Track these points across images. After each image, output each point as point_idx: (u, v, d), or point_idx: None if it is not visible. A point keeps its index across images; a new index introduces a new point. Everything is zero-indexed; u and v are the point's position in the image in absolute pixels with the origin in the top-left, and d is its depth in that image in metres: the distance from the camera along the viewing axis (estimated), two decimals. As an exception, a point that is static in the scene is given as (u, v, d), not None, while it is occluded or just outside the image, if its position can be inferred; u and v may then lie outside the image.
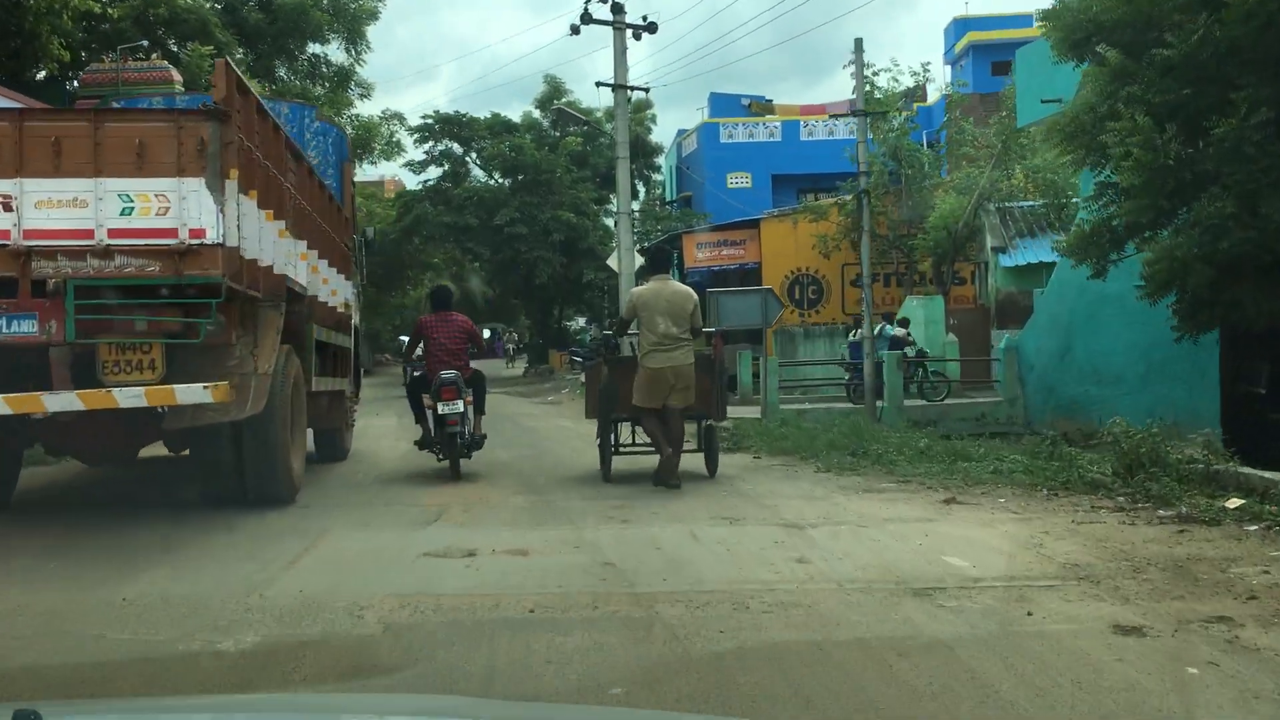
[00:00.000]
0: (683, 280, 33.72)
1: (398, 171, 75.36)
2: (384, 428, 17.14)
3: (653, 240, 33.56)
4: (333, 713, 2.16)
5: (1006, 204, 23.59)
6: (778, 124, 37.90)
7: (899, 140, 26.26)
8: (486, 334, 48.19)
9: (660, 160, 41.84)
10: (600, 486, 9.18)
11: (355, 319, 12.67)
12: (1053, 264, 21.75)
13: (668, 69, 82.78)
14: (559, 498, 8.63)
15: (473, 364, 10.15)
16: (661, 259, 9.94)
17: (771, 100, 40.11)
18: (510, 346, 48.57)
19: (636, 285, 24.37)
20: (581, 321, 59.76)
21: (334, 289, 10.60)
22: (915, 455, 10.81)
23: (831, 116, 25.32)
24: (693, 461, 10.35)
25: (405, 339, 15.81)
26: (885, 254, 27.05)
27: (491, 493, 9.00)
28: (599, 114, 39.61)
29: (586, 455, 10.49)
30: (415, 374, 10.30)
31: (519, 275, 36.48)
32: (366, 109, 60.64)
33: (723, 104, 39.17)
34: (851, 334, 20.63)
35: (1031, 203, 23.54)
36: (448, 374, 9.65)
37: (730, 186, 37.09)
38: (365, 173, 58.80)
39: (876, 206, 26.55)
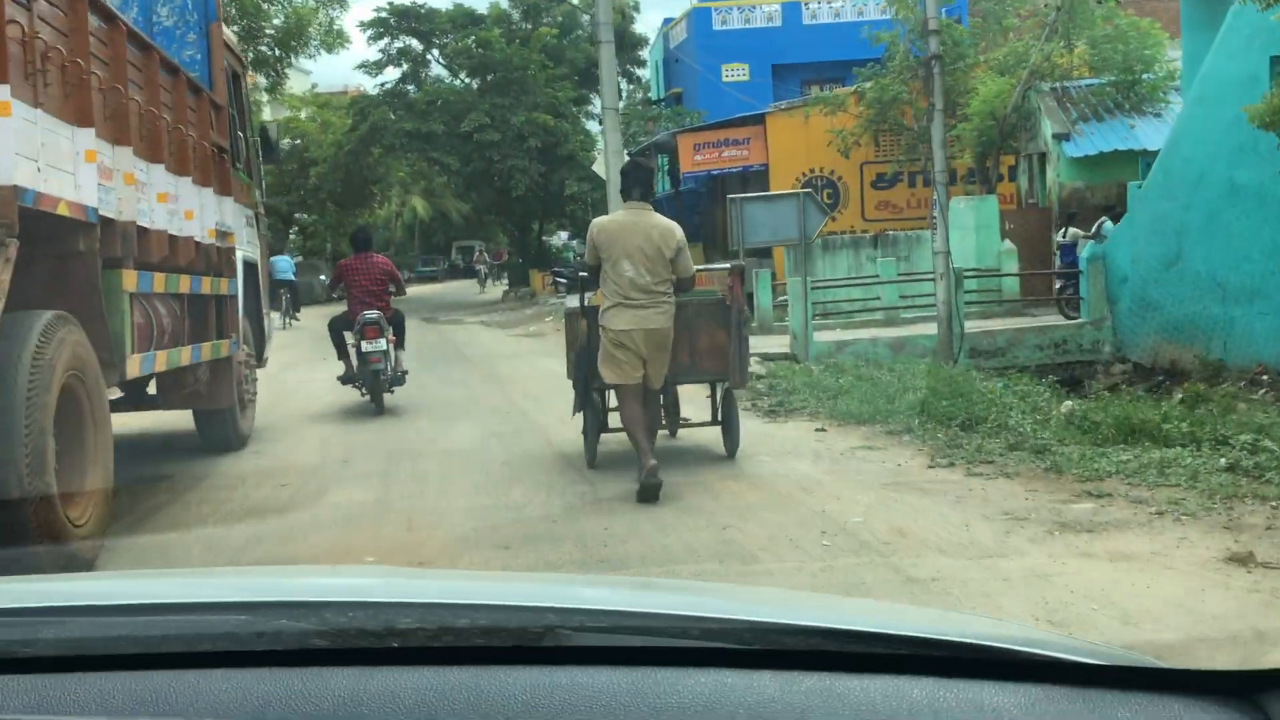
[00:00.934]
0: (677, 188, 30.04)
1: (358, 79, 70.20)
2: (321, 386, 13.58)
3: (639, 148, 29.56)
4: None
5: (1064, 84, 19.81)
6: (776, 7, 33.63)
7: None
8: (406, 275, 44.90)
9: (645, 54, 37.52)
10: (606, 512, 5.71)
11: (248, 253, 9.00)
12: (1131, 153, 18.17)
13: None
14: (533, 538, 5.16)
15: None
16: (639, 178, 6.75)
17: (768, -19, 35.70)
18: (483, 268, 41.79)
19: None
20: (564, 237, 55.93)
21: (189, 209, 6.93)
22: (1061, 426, 7.34)
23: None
24: (709, 437, 7.36)
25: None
26: (913, 148, 23.34)
27: (435, 531, 5.51)
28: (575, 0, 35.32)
29: (576, 425, 7.19)
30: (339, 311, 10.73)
31: (493, 188, 32.52)
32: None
33: (714, -13, 34.76)
34: (1061, 234, 17.04)
35: (1096, 80, 19.77)
36: (370, 314, 9.90)
37: (726, 80, 32.97)
38: (319, 77, 54.01)
39: (902, 94, 22.77)
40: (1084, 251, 15.01)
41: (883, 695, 1.04)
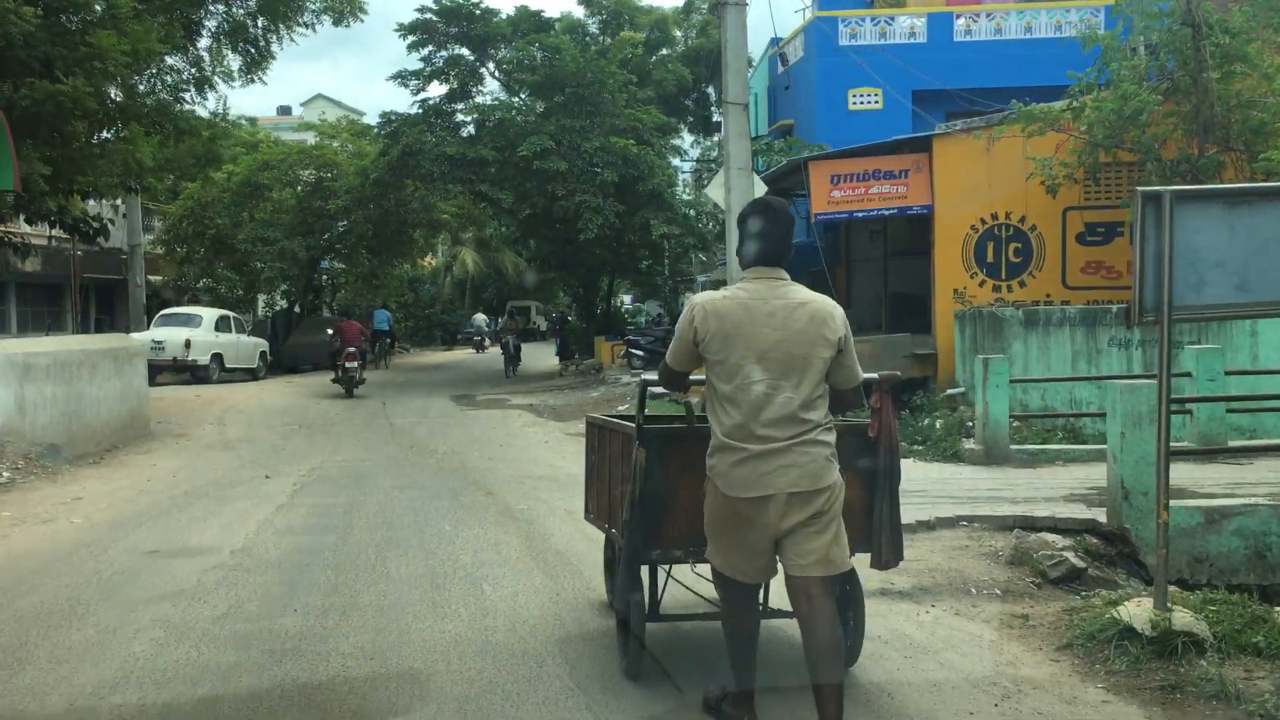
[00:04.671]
0: (806, 233, 22.62)
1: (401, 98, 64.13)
2: (200, 565, 6.64)
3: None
4: None
5: None
6: (920, 19, 26.85)
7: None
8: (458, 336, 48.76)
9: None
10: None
11: None
12: None
13: None
14: None
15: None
16: (772, 228, 3.83)
17: (903, -7, 28.94)
18: (510, 339, 28.58)
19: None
20: (628, 300, 48.95)
21: None
22: None
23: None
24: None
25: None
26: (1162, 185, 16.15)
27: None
28: (664, 10, 28.75)
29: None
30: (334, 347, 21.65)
31: (555, 233, 25.79)
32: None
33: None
34: None
35: None
36: (350, 348, 21.03)
37: (853, 108, 26.19)
38: (330, 75, 47.62)
39: (1149, 105, 15.71)
40: None
41: None
